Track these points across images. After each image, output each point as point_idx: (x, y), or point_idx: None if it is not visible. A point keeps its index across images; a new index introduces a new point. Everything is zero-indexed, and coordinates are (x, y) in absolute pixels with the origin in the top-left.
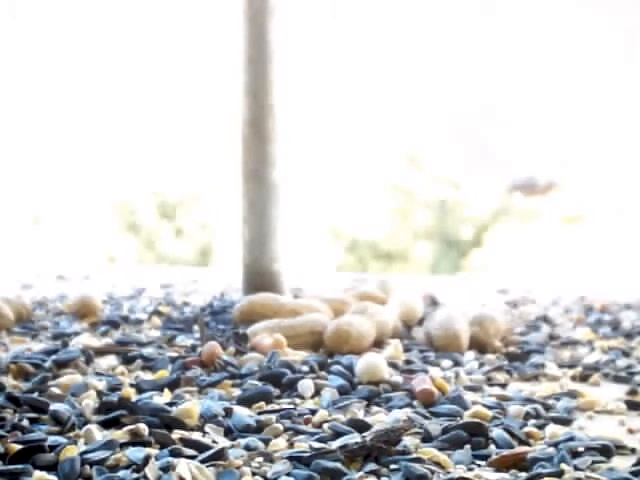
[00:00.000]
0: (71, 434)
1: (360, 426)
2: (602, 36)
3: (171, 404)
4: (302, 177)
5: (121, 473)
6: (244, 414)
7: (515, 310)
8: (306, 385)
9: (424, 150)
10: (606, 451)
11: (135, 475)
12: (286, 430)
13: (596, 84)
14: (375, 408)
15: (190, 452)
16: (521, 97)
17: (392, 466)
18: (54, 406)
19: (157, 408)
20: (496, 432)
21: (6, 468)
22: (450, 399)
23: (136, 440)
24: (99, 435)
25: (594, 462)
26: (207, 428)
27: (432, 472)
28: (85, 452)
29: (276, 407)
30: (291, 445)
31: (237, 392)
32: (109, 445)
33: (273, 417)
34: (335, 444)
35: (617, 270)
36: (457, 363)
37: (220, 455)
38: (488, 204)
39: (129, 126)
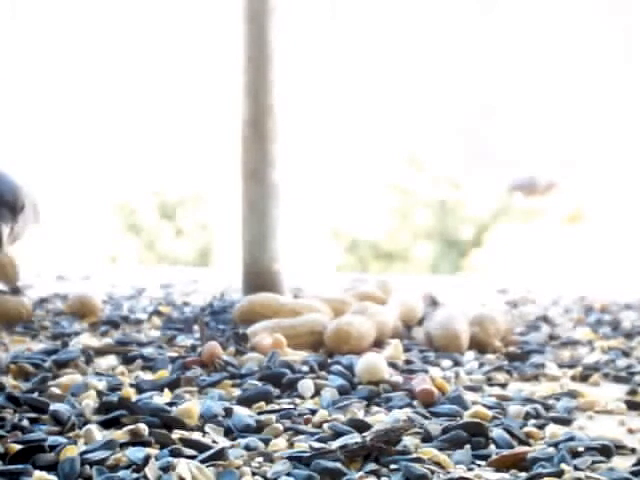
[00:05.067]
0: (71, 434)
1: (360, 426)
2: (602, 35)
3: (171, 404)
4: (302, 177)
5: (121, 473)
6: (244, 414)
7: (515, 310)
8: (306, 385)
9: (424, 150)
10: (606, 451)
11: (135, 475)
12: (286, 430)
13: (596, 84)
14: (375, 408)
15: (190, 452)
16: (521, 97)
17: (392, 466)
18: (54, 406)
19: (157, 408)
20: (496, 432)
21: (6, 468)
22: (450, 399)
23: (136, 440)
24: (99, 435)
25: (594, 462)
26: (207, 428)
27: (432, 472)
28: (85, 452)
29: (276, 407)
30: (291, 445)
31: (237, 392)
32: (109, 445)
33: (273, 417)
34: (335, 444)
35: (617, 270)
36: (457, 363)
37: (220, 455)
38: (488, 204)
39: (129, 126)
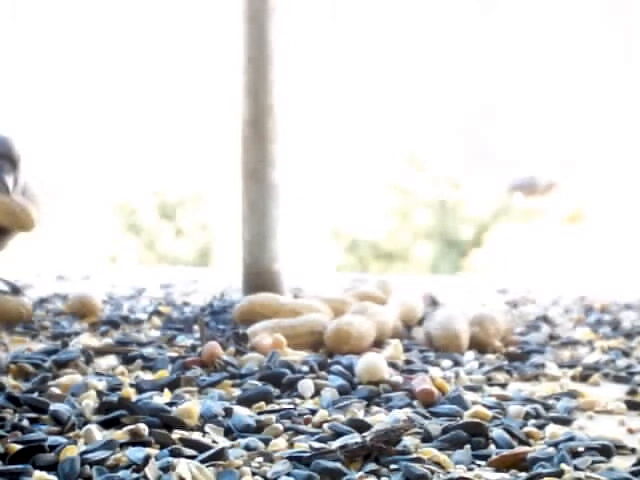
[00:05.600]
0: (71, 434)
1: (360, 426)
2: (602, 35)
3: (171, 404)
4: (302, 177)
5: (121, 473)
6: (244, 414)
7: (515, 310)
8: (306, 385)
9: (424, 150)
10: (606, 451)
11: (135, 475)
12: (286, 430)
13: (596, 83)
14: (375, 408)
15: (190, 452)
16: (521, 97)
17: (392, 466)
18: (54, 406)
19: (157, 408)
20: (496, 432)
21: (6, 468)
22: (450, 399)
23: (136, 440)
24: (99, 435)
25: (594, 462)
26: (207, 428)
27: (432, 472)
28: (85, 452)
29: (276, 407)
30: (291, 445)
31: (237, 392)
32: (109, 445)
33: (273, 417)
34: (335, 444)
35: (617, 270)
36: (457, 363)
37: (220, 455)
38: (488, 204)
39: (130, 127)
